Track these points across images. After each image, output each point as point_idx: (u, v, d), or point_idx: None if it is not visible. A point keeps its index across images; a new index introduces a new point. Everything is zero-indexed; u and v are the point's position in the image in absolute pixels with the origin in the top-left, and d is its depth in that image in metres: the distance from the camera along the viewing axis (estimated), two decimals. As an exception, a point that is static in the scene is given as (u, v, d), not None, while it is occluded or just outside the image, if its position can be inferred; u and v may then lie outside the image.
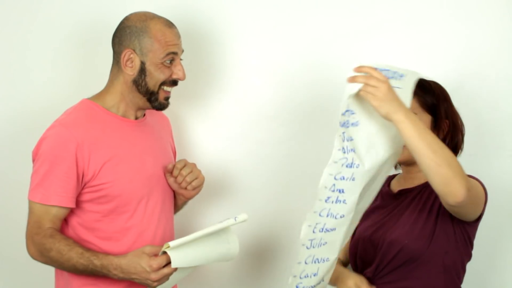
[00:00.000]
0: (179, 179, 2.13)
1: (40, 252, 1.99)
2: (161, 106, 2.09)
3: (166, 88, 2.08)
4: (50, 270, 2.13)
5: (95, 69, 2.43)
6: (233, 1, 2.40)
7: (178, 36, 2.08)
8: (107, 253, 1.98)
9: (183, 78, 2.08)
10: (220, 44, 2.41)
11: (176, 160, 2.30)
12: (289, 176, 2.40)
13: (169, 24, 2.07)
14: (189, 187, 2.15)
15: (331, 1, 2.37)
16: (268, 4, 2.38)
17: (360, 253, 2.03)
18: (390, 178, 2.13)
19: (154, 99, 2.07)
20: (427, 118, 2.00)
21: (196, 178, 2.14)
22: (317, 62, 2.39)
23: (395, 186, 2.09)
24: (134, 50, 2.03)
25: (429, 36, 2.34)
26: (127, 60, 2.04)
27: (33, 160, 2.03)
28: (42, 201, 1.98)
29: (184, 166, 2.14)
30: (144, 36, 2.03)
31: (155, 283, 1.92)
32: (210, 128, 2.46)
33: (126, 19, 2.08)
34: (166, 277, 1.92)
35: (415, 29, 2.34)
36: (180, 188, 2.15)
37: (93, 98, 2.09)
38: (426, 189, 1.97)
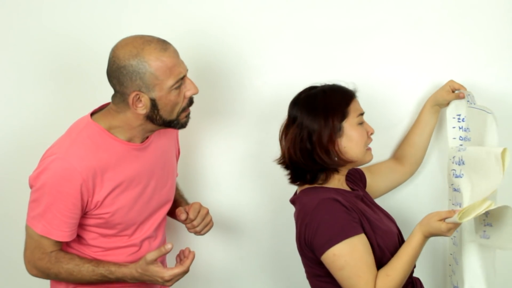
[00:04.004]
0: (189, 226, 2.14)
1: (46, 274, 2.00)
2: (184, 125, 2.03)
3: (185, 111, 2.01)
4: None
5: (90, 84, 2.42)
6: (234, 1, 2.40)
7: (176, 54, 1.94)
8: (117, 264, 1.99)
9: (197, 91, 1.98)
10: (220, 44, 2.41)
11: (179, 157, 2.30)
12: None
13: (163, 47, 1.91)
14: (196, 234, 2.16)
15: (332, 2, 2.36)
16: (269, 4, 2.38)
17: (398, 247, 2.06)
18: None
19: (174, 124, 2.00)
20: None
21: (205, 227, 2.14)
22: (318, 62, 2.39)
23: (344, 187, 2.12)
24: (140, 90, 1.89)
25: (429, 37, 2.34)
26: (136, 102, 1.92)
27: (32, 186, 1.97)
28: (43, 234, 1.96)
29: (197, 214, 2.11)
30: (144, 72, 1.88)
31: (171, 285, 2.01)
32: (210, 128, 2.45)
33: (116, 57, 1.89)
34: (179, 277, 1.98)
35: (415, 30, 2.34)
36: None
37: (99, 119, 1.99)
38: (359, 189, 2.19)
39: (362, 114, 2.07)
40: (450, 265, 2.29)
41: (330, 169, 2.06)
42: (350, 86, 2.09)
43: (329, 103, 2.03)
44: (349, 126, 2.03)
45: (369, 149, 2.09)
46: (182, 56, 2.00)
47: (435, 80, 2.34)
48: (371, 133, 2.08)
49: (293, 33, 2.38)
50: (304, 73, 2.39)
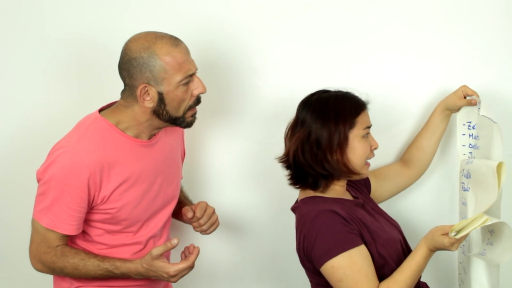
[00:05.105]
0: (195, 225, 2.14)
1: (51, 269, 1.99)
2: (190, 124, 2.04)
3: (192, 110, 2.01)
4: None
5: (97, 80, 2.42)
6: (234, 1, 2.40)
7: (187, 51, 1.97)
8: (122, 259, 2.00)
9: (205, 91, 1.99)
10: (221, 45, 2.41)
11: (184, 159, 2.31)
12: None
13: (175, 42, 1.94)
14: (202, 233, 2.17)
15: (333, 3, 2.37)
16: (269, 4, 2.38)
17: (402, 255, 2.07)
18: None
19: (180, 122, 2.00)
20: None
21: (212, 225, 2.14)
22: (319, 62, 2.39)
23: (345, 195, 2.11)
24: (148, 83, 1.92)
25: (429, 37, 2.34)
26: (143, 94, 1.94)
27: (39, 180, 1.98)
28: (50, 227, 1.96)
29: (204, 213, 2.12)
30: (154, 65, 1.90)
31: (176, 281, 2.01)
32: (211, 128, 2.45)
33: (128, 49, 1.93)
34: (184, 273, 1.99)
35: (415, 30, 2.34)
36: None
37: (107, 115, 2.01)
38: (361, 195, 2.17)
39: (369, 127, 2.04)
40: (459, 274, 2.27)
41: (333, 176, 2.04)
42: (362, 97, 2.07)
43: (340, 109, 2.01)
44: (353, 137, 2.00)
45: (368, 164, 2.06)
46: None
47: (435, 81, 2.35)
48: (375, 148, 2.06)
49: (294, 33, 2.38)
50: (305, 73, 2.39)
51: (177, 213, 2.24)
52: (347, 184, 2.14)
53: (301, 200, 2.08)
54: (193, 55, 2.04)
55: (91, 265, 1.97)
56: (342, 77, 2.35)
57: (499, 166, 1.90)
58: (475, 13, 2.32)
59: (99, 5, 2.39)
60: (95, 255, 2.00)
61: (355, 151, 2.01)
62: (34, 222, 1.99)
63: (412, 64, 2.37)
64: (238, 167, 2.47)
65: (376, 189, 2.27)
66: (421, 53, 2.35)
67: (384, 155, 2.40)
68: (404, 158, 2.36)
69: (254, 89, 2.42)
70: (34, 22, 2.41)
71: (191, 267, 1.98)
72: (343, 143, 1.99)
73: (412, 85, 2.38)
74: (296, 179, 2.09)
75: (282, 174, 2.20)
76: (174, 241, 1.94)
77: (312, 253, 1.95)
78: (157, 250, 1.94)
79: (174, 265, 1.96)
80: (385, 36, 2.36)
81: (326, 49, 2.38)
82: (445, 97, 2.27)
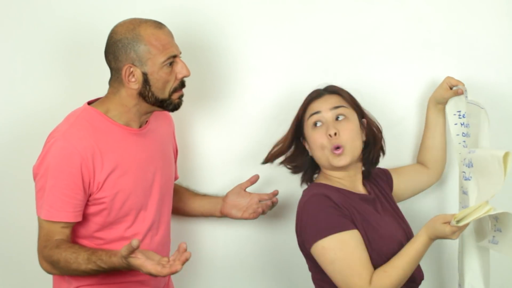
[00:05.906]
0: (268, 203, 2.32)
1: (51, 265, 1.98)
2: (176, 107, 2.07)
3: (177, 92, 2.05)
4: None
5: (90, 71, 2.41)
6: (233, 1, 2.40)
7: (171, 35, 2.04)
8: (108, 254, 1.93)
9: (189, 74, 2.04)
10: (220, 44, 2.41)
11: (177, 157, 2.31)
12: (289, 176, 2.40)
13: (159, 25, 2.01)
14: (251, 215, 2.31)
15: (331, 2, 2.37)
16: (268, 4, 2.38)
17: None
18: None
19: (167, 104, 2.04)
20: (354, 115, 2.10)
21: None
22: (318, 62, 2.39)
23: (354, 189, 2.12)
24: (133, 63, 1.97)
25: (429, 37, 2.35)
26: (128, 75, 1.98)
27: (36, 175, 1.99)
28: (48, 218, 1.96)
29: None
30: (138, 46, 1.97)
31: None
32: (210, 128, 2.45)
33: (114, 32, 2.00)
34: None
35: (415, 30, 2.35)
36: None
37: (96, 105, 2.05)
38: (378, 192, 2.18)
39: (316, 113, 2.07)
40: (459, 262, 2.29)
41: (319, 168, 2.13)
42: (321, 86, 2.14)
43: (300, 108, 2.13)
44: (306, 131, 2.10)
45: (337, 154, 2.04)
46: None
47: (435, 80, 2.34)
48: (330, 134, 2.03)
49: (293, 32, 2.39)
50: (303, 72, 2.39)
51: (204, 210, 2.33)
52: (365, 179, 2.17)
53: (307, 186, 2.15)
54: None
55: (82, 259, 1.93)
56: (341, 77, 2.35)
57: (506, 156, 1.90)
58: (476, 12, 2.33)
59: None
60: (87, 249, 1.96)
61: (311, 145, 2.09)
62: (38, 219, 2.00)
63: (412, 64, 2.37)
64: (237, 166, 2.46)
65: (399, 186, 2.28)
66: (421, 53, 2.36)
67: (387, 154, 2.39)
68: (419, 160, 2.38)
69: (253, 89, 2.42)
70: (32, 14, 2.42)
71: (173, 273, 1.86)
72: (308, 140, 2.09)
73: (412, 84, 2.38)
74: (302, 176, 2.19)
75: (281, 173, 2.21)
76: (134, 242, 1.80)
77: (305, 234, 1.99)
78: (123, 251, 1.84)
79: (148, 265, 1.83)
80: (385, 35, 2.36)
81: (326, 48, 2.39)
82: (433, 92, 2.28)
